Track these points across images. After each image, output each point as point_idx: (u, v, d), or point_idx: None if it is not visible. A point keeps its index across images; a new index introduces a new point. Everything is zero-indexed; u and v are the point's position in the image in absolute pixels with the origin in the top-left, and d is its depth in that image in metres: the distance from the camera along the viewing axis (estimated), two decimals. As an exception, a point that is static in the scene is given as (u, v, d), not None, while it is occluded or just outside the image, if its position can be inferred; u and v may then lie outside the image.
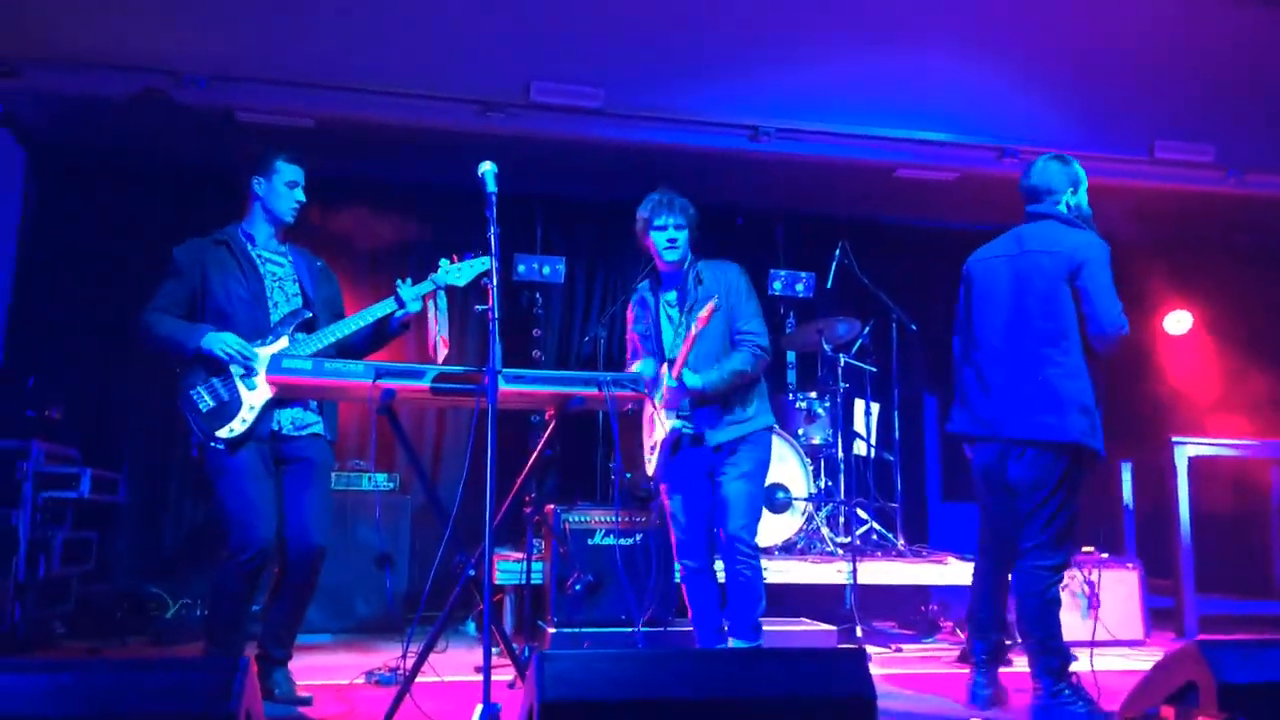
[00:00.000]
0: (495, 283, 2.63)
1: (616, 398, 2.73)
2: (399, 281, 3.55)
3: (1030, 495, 3.43)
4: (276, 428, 3.41)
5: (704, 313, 3.38)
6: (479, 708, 2.42)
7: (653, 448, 3.64)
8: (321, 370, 2.61)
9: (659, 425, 3.56)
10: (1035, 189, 3.64)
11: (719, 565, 3.71)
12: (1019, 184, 3.75)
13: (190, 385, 3.33)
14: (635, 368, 3.72)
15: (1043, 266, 3.44)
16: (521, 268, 6.33)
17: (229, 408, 3.32)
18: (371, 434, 6.11)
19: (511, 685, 3.67)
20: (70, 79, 5.06)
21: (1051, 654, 3.43)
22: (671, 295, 3.75)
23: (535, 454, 2.94)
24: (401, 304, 3.51)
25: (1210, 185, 6.31)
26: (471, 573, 2.84)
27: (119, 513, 5.37)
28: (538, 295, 6.48)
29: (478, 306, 2.62)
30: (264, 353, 3.35)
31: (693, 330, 3.45)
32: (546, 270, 6.33)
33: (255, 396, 3.34)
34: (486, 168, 2.84)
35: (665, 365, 3.63)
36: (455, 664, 4.12)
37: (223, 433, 3.30)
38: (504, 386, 2.63)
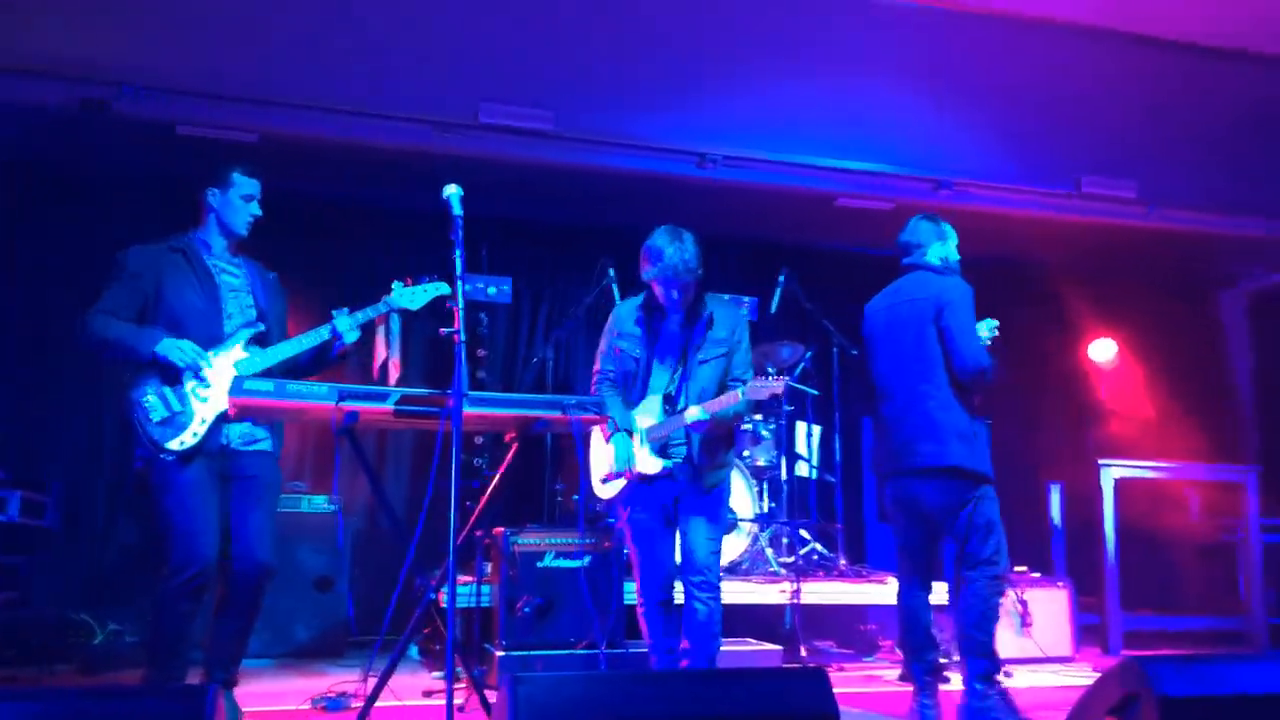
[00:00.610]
0: (461, 306, 2.64)
1: (581, 420, 2.76)
2: (334, 312, 3.48)
3: (949, 518, 3.72)
4: (225, 442, 3.35)
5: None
6: (442, 731, 2.40)
7: (608, 477, 3.65)
8: (284, 392, 2.59)
9: (642, 459, 3.58)
10: (908, 244, 4.04)
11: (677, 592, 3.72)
12: (896, 240, 4.12)
13: (142, 393, 3.26)
14: (644, 404, 3.64)
15: (913, 311, 3.82)
16: (467, 287, 6.25)
17: (180, 418, 3.26)
18: (309, 455, 6.08)
19: (461, 708, 3.64)
20: (5, 87, 4.94)
21: (989, 659, 3.67)
22: (674, 324, 3.67)
23: (497, 477, 2.95)
24: (336, 335, 3.44)
25: (1133, 219, 6.57)
26: (433, 596, 2.81)
27: (45, 537, 5.20)
28: (483, 315, 6.45)
29: (443, 330, 2.62)
30: (220, 362, 3.30)
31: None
32: (493, 290, 6.31)
33: (207, 409, 3.28)
34: (452, 190, 2.86)
35: (659, 399, 3.62)
36: (400, 688, 4.07)
37: (173, 444, 3.24)
38: (468, 409, 2.64)
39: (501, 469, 2.93)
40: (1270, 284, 7.67)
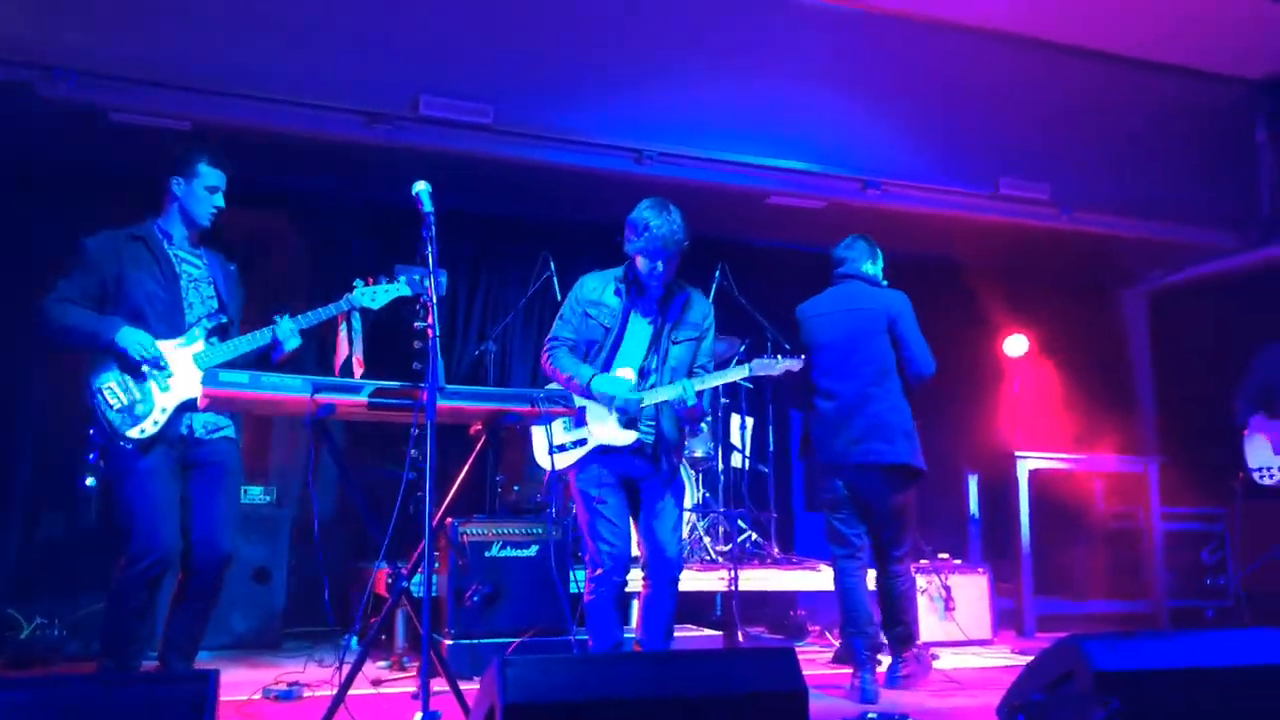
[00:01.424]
0: (435, 302, 2.68)
1: (552, 413, 2.83)
2: (276, 318, 3.47)
3: (888, 509, 4.12)
4: (187, 431, 3.35)
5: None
6: (418, 716, 2.46)
7: (567, 445, 3.59)
8: (259, 384, 2.60)
9: (602, 427, 3.56)
10: (844, 257, 4.42)
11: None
12: (831, 253, 4.49)
13: (102, 380, 3.24)
14: (599, 379, 3.57)
15: (862, 319, 4.19)
16: (402, 279, 6.28)
17: (140, 407, 3.25)
18: (246, 446, 5.99)
19: (415, 696, 3.67)
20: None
21: (910, 631, 4.21)
22: (649, 300, 3.68)
23: (466, 467, 3.00)
24: (276, 341, 3.43)
25: (1046, 221, 6.89)
26: (405, 584, 2.86)
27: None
28: (418, 307, 6.44)
29: (417, 324, 2.66)
30: (181, 353, 3.29)
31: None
32: (425, 281, 6.28)
33: (168, 398, 3.27)
34: (421, 187, 2.89)
35: (634, 372, 3.61)
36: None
37: (133, 433, 3.22)
38: (441, 402, 2.69)
39: (470, 461, 2.98)
40: (1168, 284, 8.10)
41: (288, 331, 3.44)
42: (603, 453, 3.59)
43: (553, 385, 3.67)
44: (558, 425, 3.62)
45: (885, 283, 4.39)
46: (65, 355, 5.02)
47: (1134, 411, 8.08)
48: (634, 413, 3.54)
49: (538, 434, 3.72)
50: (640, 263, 3.62)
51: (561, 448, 3.61)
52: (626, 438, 3.55)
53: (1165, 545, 6.57)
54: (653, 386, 3.58)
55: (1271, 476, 4.76)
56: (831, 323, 4.26)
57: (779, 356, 3.69)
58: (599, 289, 3.72)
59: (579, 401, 3.55)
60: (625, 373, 3.62)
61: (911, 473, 4.12)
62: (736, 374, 3.69)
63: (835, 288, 4.39)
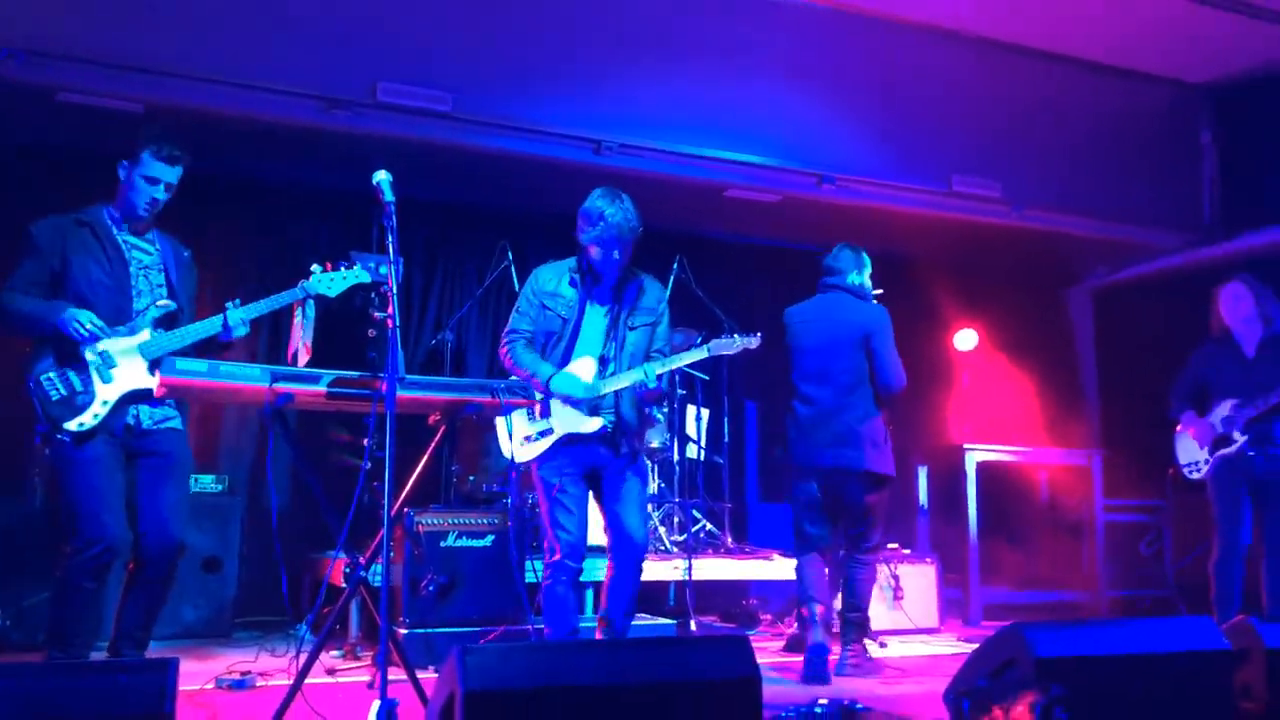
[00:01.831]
0: (395, 291, 2.69)
1: (511, 404, 2.85)
2: (228, 304, 3.45)
3: (858, 508, 4.36)
4: (133, 422, 3.32)
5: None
6: (376, 704, 2.47)
7: (534, 436, 3.64)
8: (217, 373, 2.59)
9: (567, 416, 3.60)
10: (830, 268, 4.60)
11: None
12: (822, 261, 4.66)
13: (41, 371, 3.20)
14: (558, 378, 3.60)
15: (841, 332, 4.40)
16: (358, 265, 6.24)
17: (81, 398, 3.21)
18: (194, 435, 5.92)
19: (370, 685, 3.69)
20: None
21: (864, 619, 4.48)
22: (604, 290, 3.73)
23: (425, 457, 3.01)
24: (227, 329, 3.41)
25: (997, 218, 7.01)
26: (363, 573, 2.86)
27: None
28: (373, 295, 6.40)
29: (376, 314, 2.68)
30: (124, 343, 3.25)
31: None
32: (383, 270, 6.25)
33: (110, 390, 3.23)
34: (382, 176, 2.88)
35: (594, 361, 3.65)
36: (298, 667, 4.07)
37: (71, 425, 3.19)
38: (401, 393, 2.70)
39: (429, 451, 2.99)
40: (1113, 282, 8.29)
41: (237, 320, 3.43)
42: (569, 442, 3.62)
43: (513, 377, 3.69)
44: (522, 416, 3.66)
45: (872, 289, 4.62)
46: (7, 343, 4.99)
47: (1079, 406, 8.27)
48: (595, 404, 3.60)
49: (502, 426, 3.74)
50: (595, 251, 3.66)
51: (527, 439, 3.64)
52: (592, 425, 3.60)
53: (1106, 536, 6.76)
54: (612, 374, 3.64)
55: (1199, 471, 4.93)
56: (814, 330, 4.49)
57: (736, 336, 3.80)
58: (554, 280, 3.77)
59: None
60: (585, 362, 3.66)
61: (878, 478, 4.38)
62: (695, 355, 3.76)
63: (821, 296, 4.61)
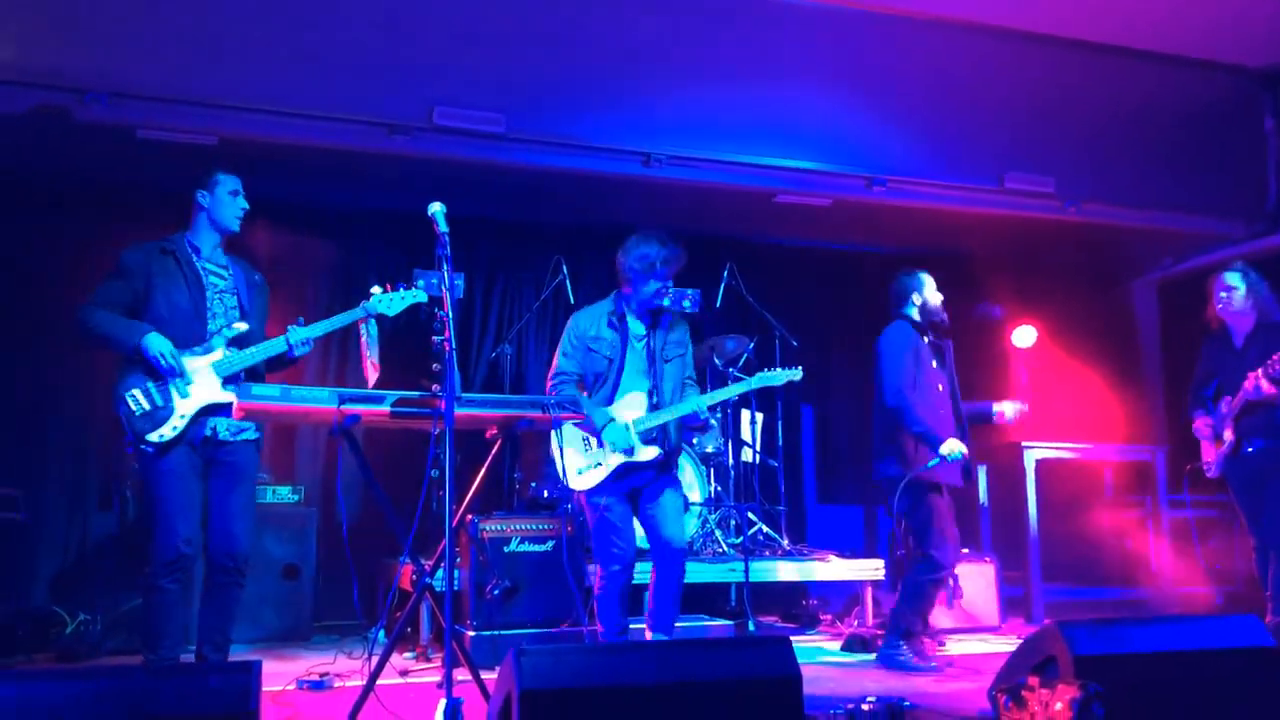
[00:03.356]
0: (451, 316, 2.86)
1: (561, 418, 3.01)
2: (290, 327, 3.70)
3: (895, 515, 4.62)
4: (211, 434, 3.58)
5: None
6: (442, 703, 2.64)
7: (591, 466, 3.94)
8: (289, 396, 2.79)
9: (618, 448, 3.90)
10: (892, 298, 4.89)
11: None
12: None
13: (126, 387, 3.48)
14: (609, 430, 3.90)
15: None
16: (420, 283, 6.47)
17: (161, 413, 3.48)
18: (272, 449, 6.21)
19: (440, 686, 3.86)
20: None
21: (896, 622, 4.58)
22: (640, 328, 4.07)
23: (484, 469, 3.18)
24: (290, 348, 3.66)
25: (1053, 213, 6.97)
26: (428, 579, 3.04)
27: (18, 531, 5.29)
28: (436, 310, 6.64)
29: (435, 338, 2.85)
30: (200, 362, 3.51)
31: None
32: (444, 289, 6.49)
33: (187, 404, 3.50)
34: (436, 208, 3.06)
35: (644, 395, 3.99)
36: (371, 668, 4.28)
37: (153, 436, 3.46)
38: (459, 410, 2.87)
39: (487, 463, 3.16)
40: (1177, 273, 8.17)
41: (299, 339, 3.68)
42: (626, 470, 3.92)
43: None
44: (576, 444, 3.96)
45: (939, 299, 4.86)
46: (97, 362, 5.30)
47: (1143, 400, 8.16)
48: (652, 431, 3.96)
49: (566, 453, 3.99)
50: (646, 291, 4.00)
51: (586, 468, 3.95)
52: (649, 454, 3.94)
53: (1172, 532, 6.69)
54: (655, 405, 3.98)
55: (1211, 470, 4.89)
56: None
57: (780, 370, 4.16)
58: (594, 324, 4.08)
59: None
60: (634, 397, 4.00)
61: (891, 483, 4.55)
62: (742, 388, 4.14)
63: None
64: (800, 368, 4.22)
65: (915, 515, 4.54)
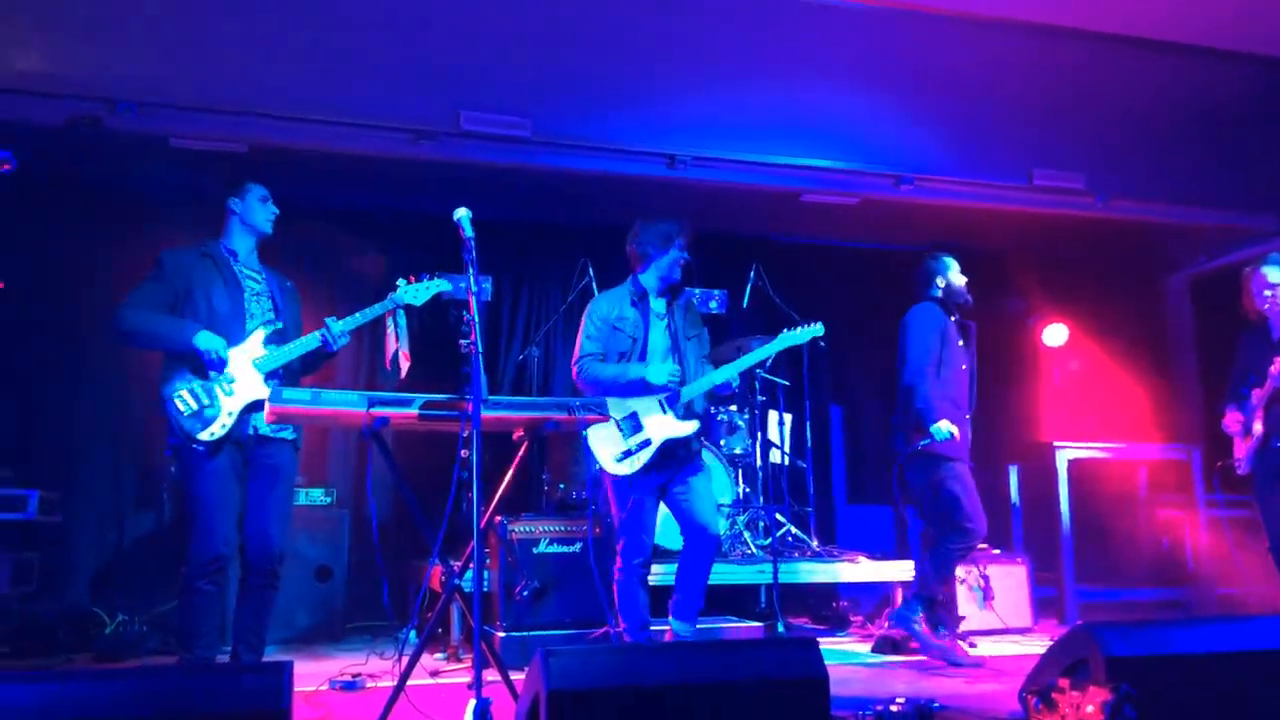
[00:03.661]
0: (477, 319, 2.88)
1: (587, 420, 3.03)
2: (327, 320, 3.77)
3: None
4: (253, 431, 3.63)
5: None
6: (472, 703, 2.66)
7: (634, 449, 3.95)
8: (319, 400, 2.83)
9: (661, 422, 3.96)
10: (915, 281, 5.02)
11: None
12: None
13: (173, 389, 3.55)
14: (652, 369, 3.99)
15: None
16: (448, 286, 6.50)
17: (208, 411, 3.55)
18: (304, 451, 6.29)
19: (470, 686, 3.89)
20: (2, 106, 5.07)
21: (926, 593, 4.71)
22: (661, 307, 4.17)
23: (511, 471, 3.20)
24: (328, 342, 3.74)
25: (1082, 210, 6.91)
26: (457, 581, 3.07)
27: (57, 532, 5.39)
28: (464, 313, 6.67)
29: (462, 341, 2.87)
30: (243, 358, 3.60)
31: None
32: (466, 284, 6.52)
33: (233, 402, 3.57)
34: (462, 213, 3.09)
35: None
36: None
37: (203, 435, 3.52)
38: (486, 413, 2.89)
39: (514, 464, 3.18)
40: (1211, 269, 8.06)
41: (338, 331, 3.76)
42: (667, 450, 3.95)
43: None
44: (612, 432, 3.94)
45: (963, 281, 5.00)
46: (131, 365, 5.40)
47: (1177, 398, 8.06)
48: (684, 408, 4.01)
49: (599, 444, 3.99)
50: (662, 269, 4.12)
51: (627, 453, 3.95)
52: (689, 427, 3.99)
53: (1209, 531, 6.60)
54: (681, 383, 4.03)
55: (1241, 467, 4.80)
56: None
57: (801, 327, 4.25)
58: (615, 306, 4.16)
59: (630, 406, 3.96)
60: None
61: (906, 457, 4.69)
62: (767, 350, 4.20)
63: None
64: (820, 324, 4.31)
65: (941, 491, 4.60)
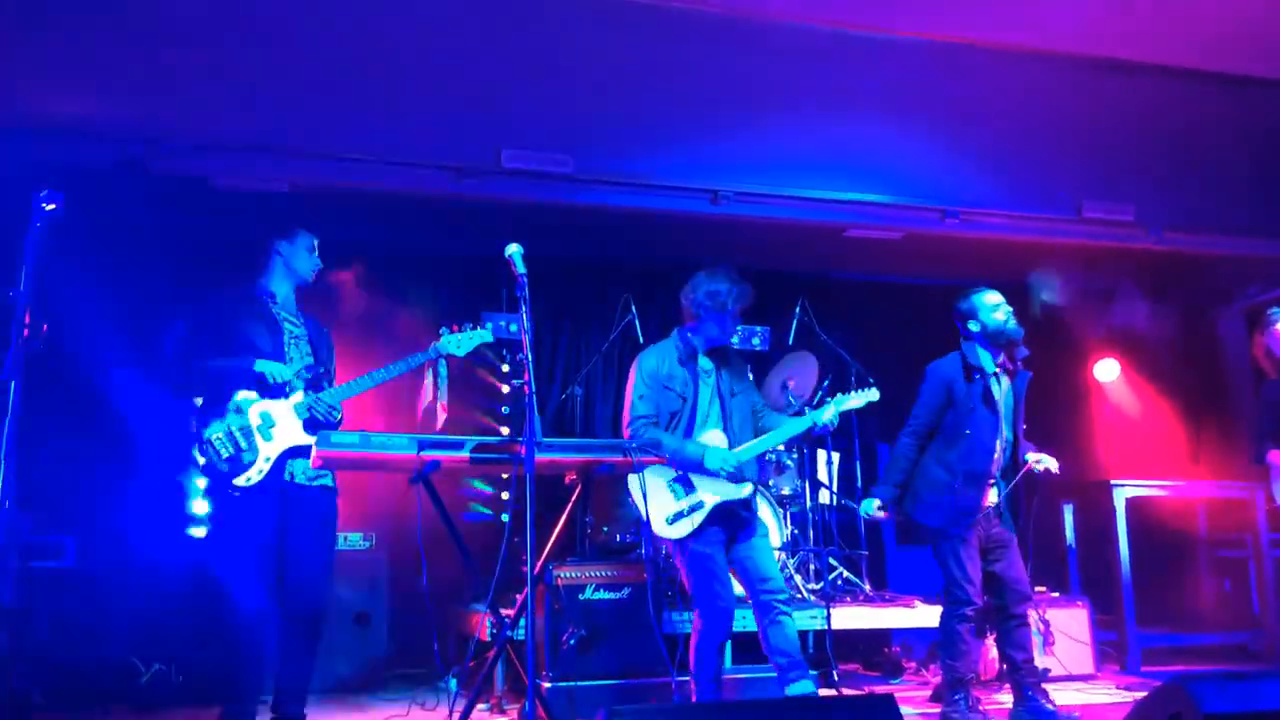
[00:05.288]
0: (530, 359, 2.79)
1: (643, 462, 2.91)
2: (370, 373, 3.69)
3: None
4: (289, 478, 3.53)
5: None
6: (527, 762, 2.53)
7: (685, 510, 3.83)
8: (369, 444, 2.74)
9: (715, 485, 3.82)
10: (956, 319, 4.63)
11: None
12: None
13: (210, 432, 3.46)
14: (709, 455, 3.84)
15: None
16: (489, 325, 6.45)
17: (245, 456, 3.46)
18: (343, 495, 6.21)
19: (514, 736, 3.76)
20: (44, 147, 5.08)
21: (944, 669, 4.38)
22: (708, 364, 4.05)
23: (565, 515, 3.08)
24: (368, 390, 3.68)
25: (1133, 242, 6.75)
26: (510, 632, 2.95)
27: (91, 581, 5.31)
28: (504, 352, 6.61)
29: (514, 381, 2.78)
30: (282, 404, 3.50)
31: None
32: (514, 328, 6.44)
33: (272, 447, 3.47)
34: (514, 249, 3.02)
35: (720, 432, 3.93)
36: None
37: (239, 481, 3.44)
38: (539, 455, 2.79)
39: (568, 508, 3.07)
40: (1266, 300, 7.85)
41: (378, 381, 3.68)
42: (721, 513, 3.81)
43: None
44: (663, 491, 3.80)
45: (998, 322, 4.54)
46: (166, 411, 5.36)
47: (1237, 434, 7.81)
48: (745, 472, 3.87)
49: (653, 506, 3.82)
50: (714, 329, 3.99)
51: (679, 515, 3.82)
52: (745, 490, 3.85)
53: (1275, 572, 6.34)
54: (730, 446, 3.89)
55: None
56: None
57: (856, 390, 4.12)
58: (664, 363, 4.01)
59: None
60: (715, 434, 3.92)
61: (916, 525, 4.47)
62: (817, 416, 4.02)
63: None
64: (876, 389, 4.16)
65: (936, 559, 4.38)
